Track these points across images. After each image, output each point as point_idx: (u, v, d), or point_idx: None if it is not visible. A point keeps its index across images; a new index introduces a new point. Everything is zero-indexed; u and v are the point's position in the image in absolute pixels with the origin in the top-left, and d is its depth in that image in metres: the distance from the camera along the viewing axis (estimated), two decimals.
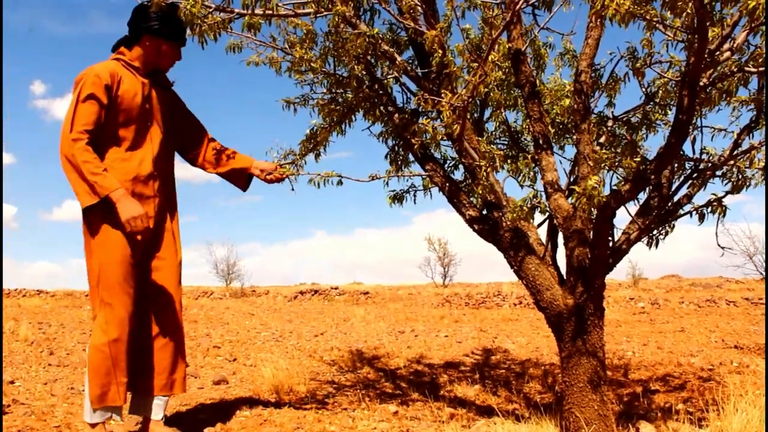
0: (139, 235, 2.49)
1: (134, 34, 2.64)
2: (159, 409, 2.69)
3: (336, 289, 15.89)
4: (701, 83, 2.39)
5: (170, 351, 2.66)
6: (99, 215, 2.46)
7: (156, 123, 2.69)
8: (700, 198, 2.77)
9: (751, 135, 2.66)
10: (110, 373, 2.44)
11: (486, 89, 3.13)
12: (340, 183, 3.09)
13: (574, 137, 2.71)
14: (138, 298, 2.56)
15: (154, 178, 2.64)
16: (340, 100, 3.16)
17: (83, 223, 2.53)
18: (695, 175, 2.76)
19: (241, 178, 2.99)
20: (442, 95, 2.46)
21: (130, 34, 2.66)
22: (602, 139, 3.12)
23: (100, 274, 2.45)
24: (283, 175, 2.96)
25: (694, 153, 2.76)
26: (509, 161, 3.41)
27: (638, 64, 2.78)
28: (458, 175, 3.47)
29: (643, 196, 2.71)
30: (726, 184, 2.80)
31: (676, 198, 2.75)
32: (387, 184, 3.21)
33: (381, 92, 3.04)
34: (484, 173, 2.67)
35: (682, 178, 2.79)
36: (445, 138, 2.81)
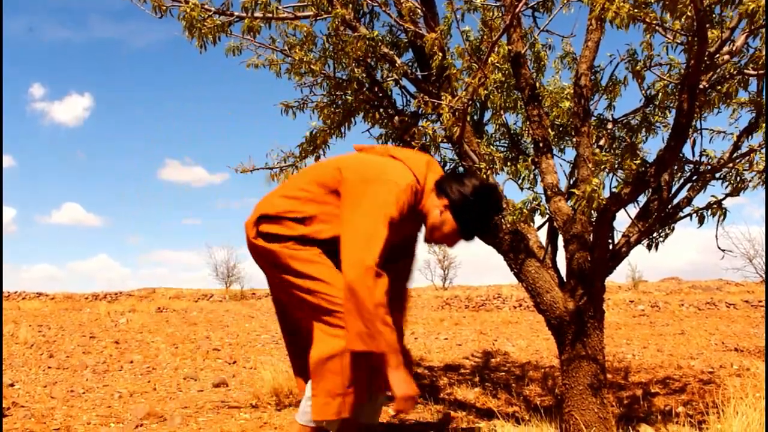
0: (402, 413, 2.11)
1: (445, 188, 2.12)
2: None
3: None
4: (701, 86, 2.39)
5: None
6: None
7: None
8: (700, 200, 2.77)
9: (750, 137, 2.67)
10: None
11: (486, 92, 3.14)
12: None
13: (574, 140, 2.72)
14: None
15: None
16: (340, 102, 3.16)
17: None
18: (695, 177, 2.76)
19: None
20: (442, 98, 2.46)
21: (443, 182, 2.13)
22: (602, 142, 3.12)
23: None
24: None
25: (693, 155, 2.76)
26: (509, 164, 3.41)
27: (638, 67, 2.78)
28: None
29: (642, 199, 2.71)
30: (726, 186, 2.80)
31: (675, 200, 2.75)
32: None
33: (381, 95, 3.04)
34: (484, 176, 2.67)
35: (681, 181, 2.79)
36: (444, 140, 2.81)
